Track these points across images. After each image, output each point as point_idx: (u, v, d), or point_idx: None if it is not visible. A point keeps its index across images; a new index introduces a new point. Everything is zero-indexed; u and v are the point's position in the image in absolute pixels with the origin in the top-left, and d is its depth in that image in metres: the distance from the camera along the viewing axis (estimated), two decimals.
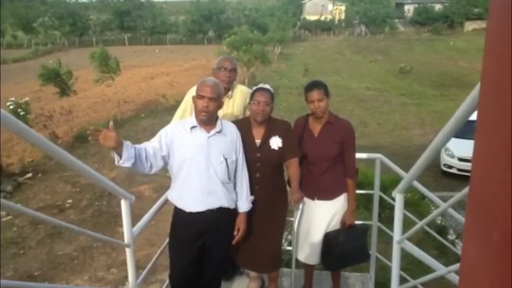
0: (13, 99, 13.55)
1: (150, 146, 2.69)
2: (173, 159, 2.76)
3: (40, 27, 50.85)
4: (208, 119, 2.72)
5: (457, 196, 1.55)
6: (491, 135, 0.62)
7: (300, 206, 3.16)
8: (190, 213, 2.75)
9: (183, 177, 2.77)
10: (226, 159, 2.77)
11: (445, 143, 1.61)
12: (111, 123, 2.46)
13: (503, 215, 0.57)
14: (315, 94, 3.06)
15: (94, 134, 2.42)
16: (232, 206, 2.88)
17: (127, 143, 2.50)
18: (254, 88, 3.11)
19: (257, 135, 3.04)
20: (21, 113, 12.51)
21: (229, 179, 2.82)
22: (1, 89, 21.59)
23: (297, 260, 3.38)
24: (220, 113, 2.84)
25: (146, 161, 2.63)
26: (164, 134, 2.76)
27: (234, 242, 2.95)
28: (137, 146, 2.62)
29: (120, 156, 2.46)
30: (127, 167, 2.52)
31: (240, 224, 2.94)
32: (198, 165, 2.72)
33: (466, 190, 1.33)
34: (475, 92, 1.19)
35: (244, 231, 2.96)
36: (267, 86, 3.09)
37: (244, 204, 2.93)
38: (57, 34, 52.74)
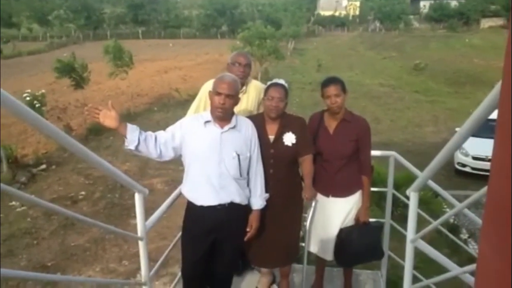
0: (29, 91, 13.65)
1: (163, 135, 2.71)
2: (185, 152, 2.76)
3: (55, 20, 51.18)
4: (224, 116, 2.71)
5: (474, 196, 1.53)
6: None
7: (313, 204, 3.15)
8: (202, 207, 2.75)
9: (195, 171, 2.77)
10: (238, 155, 2.74)
11: (463, 142, 1.58)
12: (110, 102, 2.47)
13: None
14: (332, 90, 3.03)
15: (91, 112, 2.43)
16: (244, 202, 2.85)
17: (132, 127, 2.53)
18: (269, 83, 3.06)
19: (271, 131, 3.01)
20: (37, 105, 12.61)
21: (241, 175, 2.79)
22: (16, 81, 21.85)
23: (309, 256, 3.37)
24: (234, 108, 2.82)
25: (155, 147, 2.64)
26: (179, 126, 2.77)
27: (245, 238, 2.93)
28: (149, 132, 2.65)
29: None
30: (131, 149, 2.55)
31: (253, 221, 2.92)
32: (210, 160, 2.71)
33: (483, 190, 1.31)
34: (495, 90, 1.17)
35: (257, 229, 2.94)
36: (281, 81, 3.04)
37: (257, 201, 2.91)
38: (72, 27, 53.08)
